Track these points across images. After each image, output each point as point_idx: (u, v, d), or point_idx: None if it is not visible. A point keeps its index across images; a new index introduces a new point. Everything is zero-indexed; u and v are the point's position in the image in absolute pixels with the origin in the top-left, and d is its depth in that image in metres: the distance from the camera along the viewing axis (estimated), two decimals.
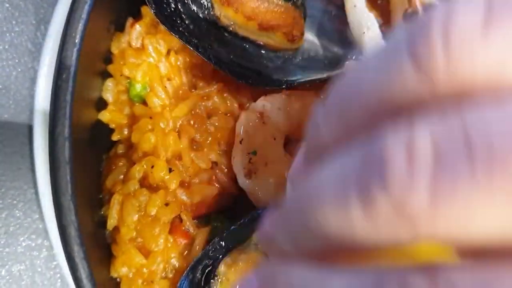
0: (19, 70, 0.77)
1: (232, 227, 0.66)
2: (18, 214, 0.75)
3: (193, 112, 0.68)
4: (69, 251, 0.53)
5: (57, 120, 0.52)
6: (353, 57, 0.69)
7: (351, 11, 0.68)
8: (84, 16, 0.53)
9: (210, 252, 0.65)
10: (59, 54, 0.52)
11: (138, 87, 0.65)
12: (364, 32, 0.62)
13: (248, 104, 0.70)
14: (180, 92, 0.68)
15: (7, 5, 0.76)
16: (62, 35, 0.53)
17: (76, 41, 0.52)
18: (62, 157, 0.52)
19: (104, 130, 0.67)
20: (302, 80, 0.70)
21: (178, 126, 0.66)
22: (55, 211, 0.54)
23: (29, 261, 0.76)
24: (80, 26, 0.52)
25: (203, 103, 0.68)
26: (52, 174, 0.53)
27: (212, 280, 0.64)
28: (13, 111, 0.76)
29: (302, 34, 0.70)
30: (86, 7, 0.53)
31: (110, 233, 0.64)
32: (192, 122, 0.67)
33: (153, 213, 0.62)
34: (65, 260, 0.62)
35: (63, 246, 0.55)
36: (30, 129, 0.76)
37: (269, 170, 0.67)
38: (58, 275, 0.77)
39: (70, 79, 0.52)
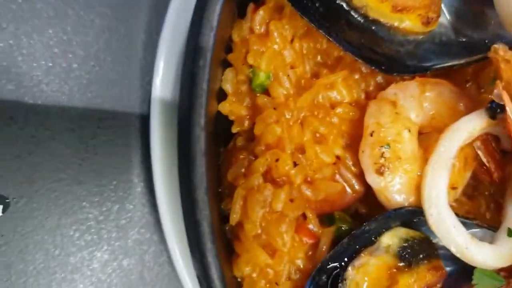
0: (132, 61, 0.76)
1: (361, 228, 0.60)
2: (129, 208, 0.74)
3: (316, 102, 0.63)
4: (202, 249, 0.49)
5: (193, 109, 0.49)
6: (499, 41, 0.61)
7: None
8: (219, 2, 0.49)
9: (338, 254, 0.60)
10: (193, 39, 0.49)
11: (262, 76, 0.61)
12: None
13: (375, 94, 0.64)
14: (303, 81, 0.63)
15: None
16: (196, 19, 0.50)
17: (214, 24, 0.49)
18: (198, 148, 0.49)
19: (222, 122, 0.64)
20: (438, 66, 0.63)
21: (301, 117, 0.62)
22: (186, 206, 0.51)
23: (138, 256, 0.74)
24: (218, 9, 0.48)
25: (327, 93, 0.63)
26: (185, 167, 0.50)
27: (340, 284, 0.59)
28: (125, 103, 0.75)
29: (439, 16, 0.63)
30: None
31: (231, 228, 0.61)
32: (315, 113, 0.62)
33: (279, 208, 0.58)
34: (180, 256, 0.60)
35: (193, 243, 0.52)
36: (142, 121, 0.75)
37: (403, 167, 0.61)
38: (166, 271, 0.76)
39: (207, 66, 0.49)
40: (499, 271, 0.67)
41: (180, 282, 0.71)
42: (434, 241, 0.63)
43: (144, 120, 0.74)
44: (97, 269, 0.72)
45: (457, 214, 0.61)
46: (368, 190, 0.64)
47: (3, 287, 0.69)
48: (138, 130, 0.75)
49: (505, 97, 0.56)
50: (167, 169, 0.64)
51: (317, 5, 0.59)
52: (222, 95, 0.64)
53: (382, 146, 0.60)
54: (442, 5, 0.64)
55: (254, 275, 0.58)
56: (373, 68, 0.60)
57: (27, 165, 0.71)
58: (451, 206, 0.62)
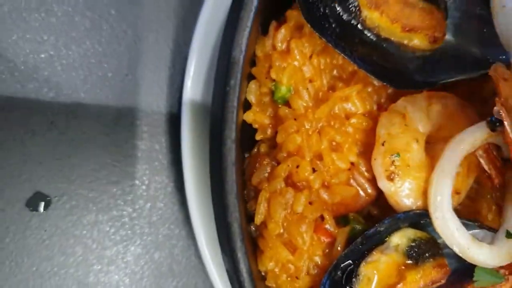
0: (161, 69, 0.82)
1: (373, 228, 0.67)
2: (160, 205, 0.81)
3: (332, 113, 0.69)
4: (233, 246, 0.56)
5: (225, 123, 0.55)
6: (499, 59, 0.67)
7: (499, 12, 0.66)
8: (249, 24, 0.55)
9: (352, 252, 0.66)
10: (226, 54, 0.55)
11: (283, 90, 0.67)
12: None
13: (386, 106, 0.70)
14: (320, 94, 0.70)
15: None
16: (228, 35, 0.56)
17: (244, 42, 0.55)
18: (230, 159, 0.55)
19: (247, 130, 0.70)
20: (444, 80, 0.69)
21: (319, 127, 0.68)
22: (218, 209, 0.58)
23: (168, 250, 0.81)
24: (248, 26, 0.54)
25: (342, 104, 0.69)
26: (217, 175, 0.57)
27: (353, 279, 0.66)
28: (155, 108, 0.82)
29: (444, 35, 0.69)
30: (251, 15, 0.56)
31: (256, 227, 0.68)
32: (332, 123, 0.68)
33: (299, 210, 0.64)
34: (207, 250, 0.67)
35: (224, 241, 0.58)
36: (172, 125, 0.81)
37: (411, 174, 0.67)
38: (193, 263, 0.83)
39: (237, 84, 0.55)
40: (499, 268, 0.73)
41: (206, 274, 0.78)
42: (439, 241, 0.68)
43: (175, 124, 0.80)
44: (130, 262, 0.79)
45: (460, 216, 0.66)
46: (380, 194, 0.70)
47: (46, 278, 0.76)
48: (168, 133, 0.81)
49: (503, 113, 0.62)
50: (196, 170, 0.71)
51: (333, 25, 0.65)
52: (246, 105, 0.70)
53: (392, 155, 0.66)
54: (448, 23, 0.70)
55: (277, 270, 0.65)
56: (384, 83, 0.66)
57: (67, 167, 0.78)
58: (455, 209, 0.68)
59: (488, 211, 0.78)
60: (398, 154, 0.66)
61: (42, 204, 0.77)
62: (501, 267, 0.73)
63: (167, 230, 0.81)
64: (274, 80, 0.68)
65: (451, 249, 0.66)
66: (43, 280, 0.76)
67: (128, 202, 0.80)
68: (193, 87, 0.73)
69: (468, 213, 0.75)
